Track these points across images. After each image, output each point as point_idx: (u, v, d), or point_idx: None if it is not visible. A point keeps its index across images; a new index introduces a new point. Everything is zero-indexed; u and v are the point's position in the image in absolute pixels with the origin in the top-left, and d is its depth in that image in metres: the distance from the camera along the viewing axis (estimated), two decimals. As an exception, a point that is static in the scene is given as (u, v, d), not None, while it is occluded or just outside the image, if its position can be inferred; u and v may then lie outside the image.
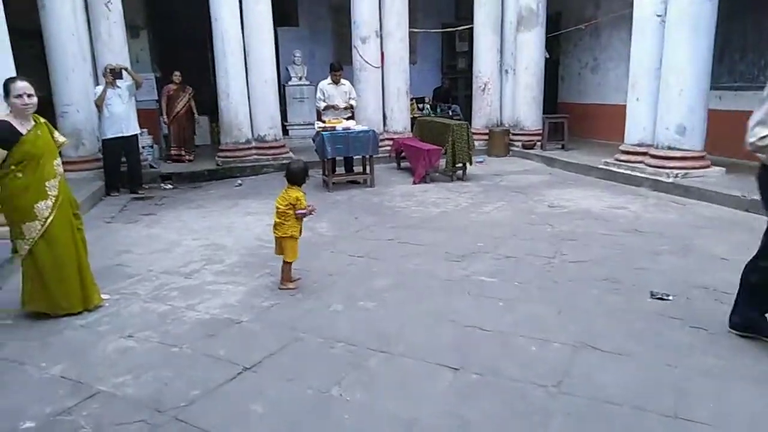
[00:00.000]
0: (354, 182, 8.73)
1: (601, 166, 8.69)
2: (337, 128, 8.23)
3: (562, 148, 10.75)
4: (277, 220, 4.41)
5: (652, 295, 4.02)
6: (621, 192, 7.62)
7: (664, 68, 7.53)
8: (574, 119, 11.09)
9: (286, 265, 4.47)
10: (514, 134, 11.40)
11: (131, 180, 8.72)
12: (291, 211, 4.36)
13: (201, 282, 4.71)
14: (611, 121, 11.43)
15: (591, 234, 5.68)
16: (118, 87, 8.20)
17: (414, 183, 8.62)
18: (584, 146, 11.02)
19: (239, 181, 9.23)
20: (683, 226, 5.86)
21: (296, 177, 4.40)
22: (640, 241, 5.40)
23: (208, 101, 11.32)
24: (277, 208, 4.40)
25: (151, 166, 9.81)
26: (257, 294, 4.40)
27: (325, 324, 3.81)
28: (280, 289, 4.47)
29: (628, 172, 8.12)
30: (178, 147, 10.40)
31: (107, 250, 5.70)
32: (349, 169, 8.89)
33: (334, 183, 8.37)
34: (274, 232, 4.46)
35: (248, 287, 4.55)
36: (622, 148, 8.47)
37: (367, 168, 8.60)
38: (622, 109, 11.42)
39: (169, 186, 9.26)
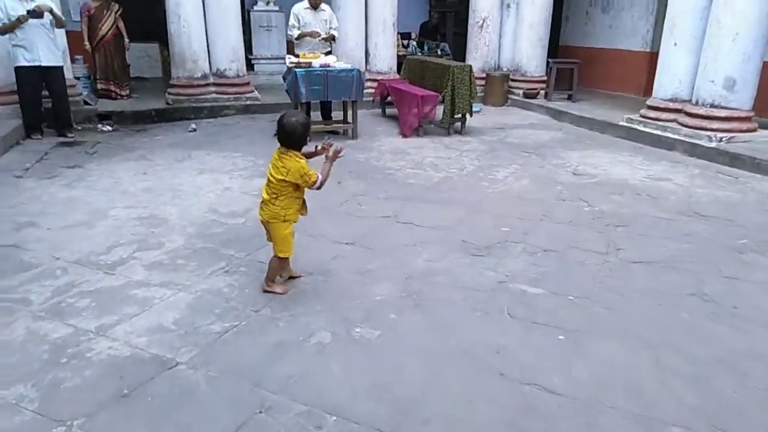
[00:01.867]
0: (333, 132, 7.27)
1: (622, 123, 7.44)
2: (313, 64, 6.67)
3: (569, 99, 9.42)
4: (265, 195, 3.07)
5: (777, 330, 2.85)
6: (654, 157, 6.40)
7: (716, 5, 6.18)
8: (580, 66, 9.71)
9: (278, 261, 3.17)
10: (513, 80, 9.98)
11: (57, 119, 7.04)
12: (289, 188, 3.04)
13: (126, 282, 3.32)
14: (624, 70, 10.15)
15: (642, 217, 4.47)
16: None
17: (404, 136, 7.21)
18: (593, 98, 9.71)
19: (193, 125, 7.64)
20: (752, 210, 4.70)
21: (294, 138, 2.99)
22: (709, 230, 4.22)
23: (156, 23, 9.45)
24: (269, 180, 3.05)
25: (86, 103, 8.07)
26: (207, 307, 3.05)
27: (305, 373, 2.52)
28: (265, 291, 3.19)
29: (658, 132, 6.89)
30: (107, 80, 8.54)
31: (2, 221, 4.21)
32: (327, 115, 7.39)
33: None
34: (260, 214, 3.15)
35: (194, 294, 3.19)
36: (650, 103, 7.20)
37: (350, 115, 7.12)
38: (638, 56, 10.25)
39: (108, 128, 7.61)
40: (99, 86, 8.58)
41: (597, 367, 2.56)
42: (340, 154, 3.21)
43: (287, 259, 3.19)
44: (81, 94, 8.13)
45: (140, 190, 5.02)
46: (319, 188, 3.08)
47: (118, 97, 8.61)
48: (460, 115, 7.38)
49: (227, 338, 2.77)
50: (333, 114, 7.43)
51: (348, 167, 5.80)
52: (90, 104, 8.10)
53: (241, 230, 4.12)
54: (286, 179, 2.98)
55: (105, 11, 8.26)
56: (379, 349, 2.70)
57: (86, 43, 8.30)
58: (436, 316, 2.99)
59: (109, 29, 8.32)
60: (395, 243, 3.91)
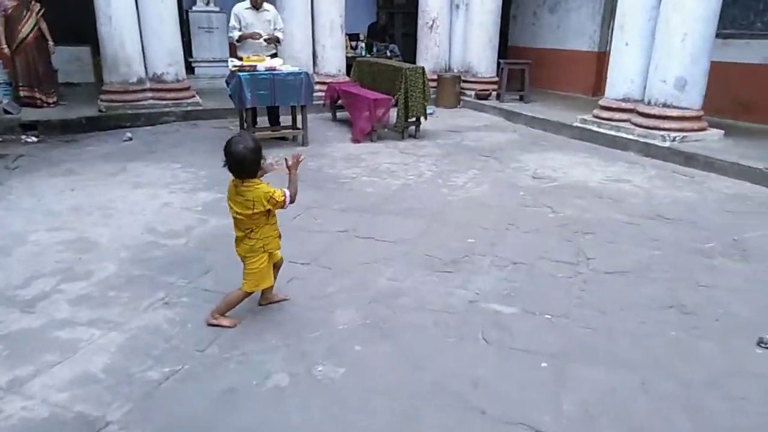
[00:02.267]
0: (282, 138, 6.89)
1: (576, 124, 7.38)
2: (258, 68, 6.27)
3: (521, 99, 9.36)
4: (239, 233, 2.78)
5: (762, 343, 2.71)
6: (610, 157, 6.35)
7: (664, 6, 6.18)
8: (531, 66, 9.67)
9: (242, 296, 2.85)
10: (465, 81, 9.85)
11: (-28, 131, 6.37)
12: (261, 218, 2.75)
13: (47, 322, 2.87)
14: (573, 70, 10.20)
15: (607, 222, 4.33)
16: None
17: (357, 141, 6.90)
18: (544, 98, 9.69)
19: (128, 134, 7.08)
20: (712, 210, 4.65)
21: (245, 166, 2.65)
22: (675, 234, 4.11)
23: (87, 24, 8.76)
24: (235, 218, 2.75)
25: (7, 111, 7.38)
26: (143, 349, 2.65)
27: (261, 425, 2.18)
28: (210, 325, 2.83)
29: (612, 132, 6.86)
30: (30, 87, 7.80)
31: None
32: (274, 121, 7.00)
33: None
34: (236, 249, 2.84)
35: (127, 333, 2.78)
36: (603, 103, 7.17)
37: (299, 120, 6.76)
38: (587, 56, 10.31)
39: (32, 139, 6.96)
40: (22, 93, 7.84)
41: (588, 401, 2.33)
42: (300, 160, 2.90)
43: (251, 294, 2.84)
44: (1, 102, 7.43)
45: (67, 209, 4.50)
46: (291, 203, 2.80)
47: (44, 104, 7.91)
48: (414, 119, 7.14)
49: (168, 387, 2.39)
50: (281, 119, 7.04)
51: (300, 176, 5.43)
52: (11, 113, 7.41)
53: (181, 252, 3.72)
54: (254, 211, 2.64)
55: (24, 11, 7.54)
56: (344, 391, 2.39)
57: (4, 46, 7.56)
58: (405, 346, 2.70)
59: (30, 31, 7.61)
60: (355, 260, 3.59)
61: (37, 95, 7.87)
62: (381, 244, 3.87)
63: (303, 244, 3.83)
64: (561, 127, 7.59)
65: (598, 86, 9.93)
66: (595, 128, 7.09)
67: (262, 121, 7.02)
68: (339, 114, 8.26)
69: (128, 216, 4.38)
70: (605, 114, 7.06)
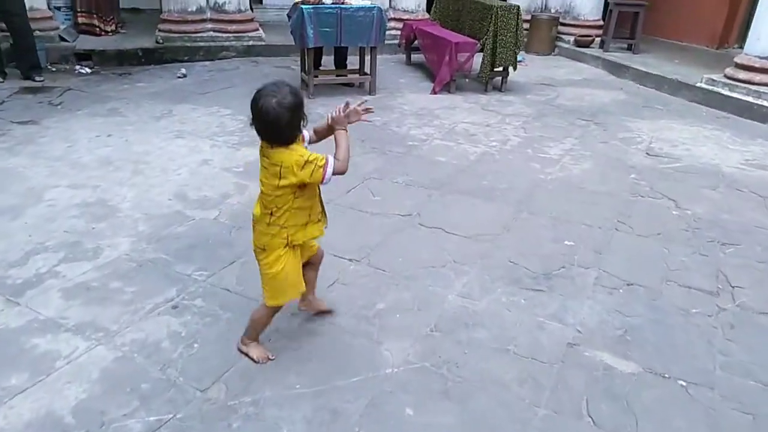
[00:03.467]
0: (347, 85, 6.05)
1: (701, 85, 6.07)
2: (324, 1, 5.39)
3: (630, 49, 7.95)
4: (257, 211, 2.00)
5: None
6: (747, 133, 5.09)
7: None
8: (647, 9, 8.15)
9: (267, 311, 2.11)
10: (564, 24, 8.50)
11: (20, 60, 5.93)
12: (288, 195, 1.92)
13: (30, 321, 2.30)
14: (693, 14, 8.57)
15: (755, 229, 3.29)
16: None
17: (433, 92, 5.96)
18: (656, 48, 8.22)
19: (183, 70, 6.45)
20: None
21: (279, 130, 1.85)
22: None
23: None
24: (261, 189, 1.97)
25: (62, 38, 6.90)
26: (129, 378, 2.03)
27: None
28: (239, 350, 2.15)
29: (750, 99, 5.53)
30: (89, 13, 7.27)
31: None
32: (341, 63, 6.14)
33: (316, 86, 5.69)
34: (253, 237, 2.06)
35: (117, 350, 2.17)
36: (740, 60, 5.79)
37: (367, 64, 5.87)
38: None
39: (86, 70, 6.48)
40: (80, 20, 7.34)
41: None
42: (362, 110, 2.12)
43: (280, 308, 2.12)
44: (57, 28, 6.96)
45: (96, 161, 3.95)
46: (339, 173, 1.96)
47: (102, 33, 7.39)
48: (501, 69, 6.07)
49: (148, 452, 1.76)
50: (349, 61, 6.17)
51: (360, 133, 4.64)
52: (67, 41, 6.93)
53: (209, 231, 3.06)
54: (280, 183, 1.88)
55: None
56: (384, 488, 1.68)
57: (62, -33, 7.01)
58: (475, 415, 1.93)
59: (90, -49, 7.01)
60: (418, 261, 2.82)
61: (96, 22, 7.35)
62: (452, 239, 3.05)
63: (354, 232, 3.08)
64: (679, 87, 6.29)
65: (725, 37, 8.34)
66: (726, 92, 5.77)
67: (328, 61, 6.17)
68: (415, 56, 7.27)
69: (160, 175, 3.77)
70: (742, 74, 5.70)
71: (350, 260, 2.82)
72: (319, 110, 5.21)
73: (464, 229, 3.14)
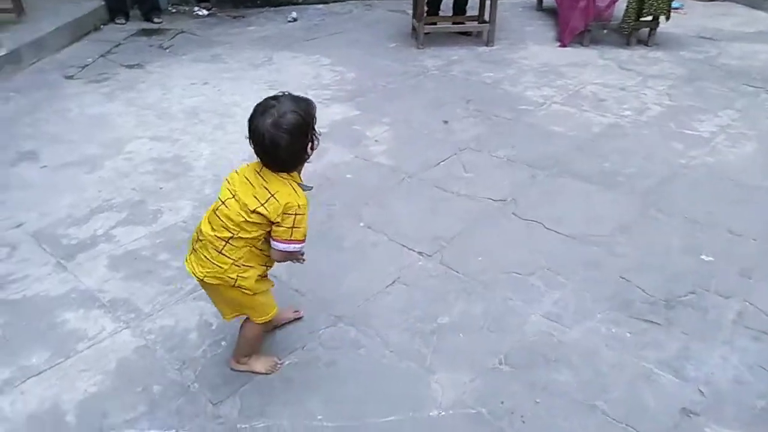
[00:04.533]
0: (465, 34, 5.40)
1: None
2: (443, -64, 4.73)
3: (830, -7, 6.31)
4: (207, 230, 1.59)
5: None
6: None
7: None
8: None
9: (259, 328, 1.76)
10: (741, -38, 6.95)
11: (141, 1, 6.01)
12: (258, 232, 1.56)
13: (69, 290, 2.19)
14: None
15: None
16: None
17: (562, 44, 5.13)
18: None
19: (294, 14, 6.18)
20: None
21: (278, 155, 1.49)
22: None
23: None
24: (217, 210, 1.58)
25: (184, -21, 6.91)
26: (143, 376, 1.81)
27: None
28: (234, 370, 1.83)
29: None
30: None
31: (8, 144, 3.34)
32: (460, 9, 5.46)
33: (427, 34, 5.12)
34: (187, 261, 1.68)
35: (142, 337, 1.97)
36: None
37: (487, 10, 5.16)
38: None
39: (203, 12, 6.45)
40: (202, -41, 7.31)
41: None
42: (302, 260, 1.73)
43: (270, 322, 1.78)
44: (180, -32, 6.97)
45: (183, 112, 3.82)
46: (283, 259, 1.65)
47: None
48: (650, 18, 5.05)
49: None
50: (470, 6, 5.48)
51: (466, 92, 4.08)
52: (188, -19, 6.94)
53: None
54: (263, 216, 1.52)
55: None
56: None
57: None
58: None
59: None
60: (502, 263, 2.31)
61: (216, -38, 7.26)
62: (552, 237, 2.48)
63: (431, 217, 2.63)
64: None
65: None
66: None
67: (449, 6, 5.53)
68: (547, 1, 6.35)
69: (240, 131, 3.53)
70: None
71: (419, 253, 2.38)
72: (427, 62, 4.70)
73: (569, 226, 2.55)
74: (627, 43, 5.14)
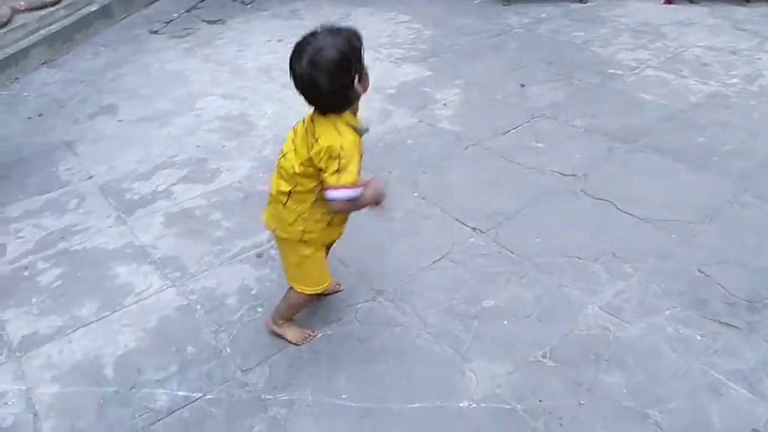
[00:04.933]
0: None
1: None
2: None
3: None
4: (275, 188, 1.56)
5: None
6: None
7: None
8: None
9: (298, 297, 1.70)
10: None
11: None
12: (311, 182, 1.48)
13: (125, 244, 2.26)
14: None
15: None
16: None
17: (667, 1, 4.58)
18: None
19: (377, -32, 5.97)
20: None
21: (320, 91, 1.36)
22: None
23: None
24: (281, 160, 1.54)
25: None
26: (180, 336, 1.84)
27: None
28: (270, 332, 1.81)
29: None
30: None
31: (90, 98, 3.49)
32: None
33: (515, -11, 4.77)
34: (266, 221, 1.65)
35: (186, 296, 2.00)
36: None
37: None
38: None
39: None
40: None
41: None
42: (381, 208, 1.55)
43: (307, 296, 1.72)
44: None
45: (256, 69, 3.82)
46: (344, 209, 1.53)
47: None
48: (777, -32, 4.38)
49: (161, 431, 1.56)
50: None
51: (550, 53, 3.76)
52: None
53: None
54: (306, 165, 1.45)
55: None
56: None
57: None
58: None
59: None
60: (562, 245, 2.12)
61: None
62: (623, 220, 2.24)
63: (492, 190, 2.45)
64: None
65: None
66: None
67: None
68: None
69: (307, 90, 3.48)
70: None
71: (473, 229, 2.24)
72: (511, 20, 4.39)
73: (645, 208, 2.29)
74: (747, 0, 4.51)
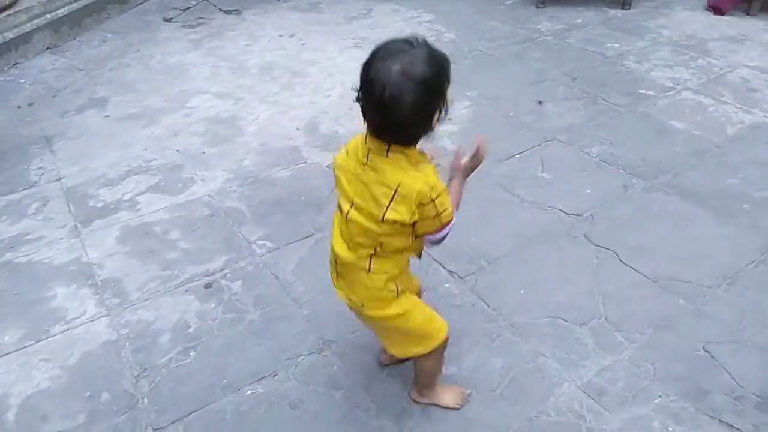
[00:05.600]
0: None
1: None
2: None
3: None
4: (347, 253, 1.25)
5: None
6: None
7: None
8: None
9: (432, 358, 1.42)
10: None
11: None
12: (402, 237, 1.21)
13: (72, 260, 2.09)
14: None
15: None
16: None
17: (718, 10, 4.14)
18: None
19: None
20: None
21: (401, 117, 1.06)
22: None
23: None
24: (351, 219, 1.21)
25: None
26: (107, 377, 1.65)
27: None
28: (418, 403, 1.54)
29: None
30: None
31: (84, 88, 3.36)
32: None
33: (551, -9, 4.41)
34: (345, 296, 1.34)
35: (118, 330, 1.80)
36: None
37: (630, -35, 4.29)
38: None
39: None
40: None
41: None
42: (480, 153, 1.35)
43: (437, 356, 1.43)
44: None
45: (258, 66, 3.61)
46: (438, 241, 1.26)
47: None
48: None
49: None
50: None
51: (576, 66, 3.42)
52: None
53: (311, 182, 2.48)
54: (385, 219, 1.16)
55: None
56: None
57: None
58: None
59: None
60: (548, 302, 1.83)
61: None
62: (625, 275, 1.93)
63: (480, 227, 2.17)
64: None
65: None
66: None
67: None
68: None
69: (308, 94, 3.26)
70: None
71: (450, 273, 1.97)
72: (542, 25, 4.04)
73: (653, 263, 1.97)
74: (811, 14, 4.03)
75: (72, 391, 1.62)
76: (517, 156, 2.62)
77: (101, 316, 1.86)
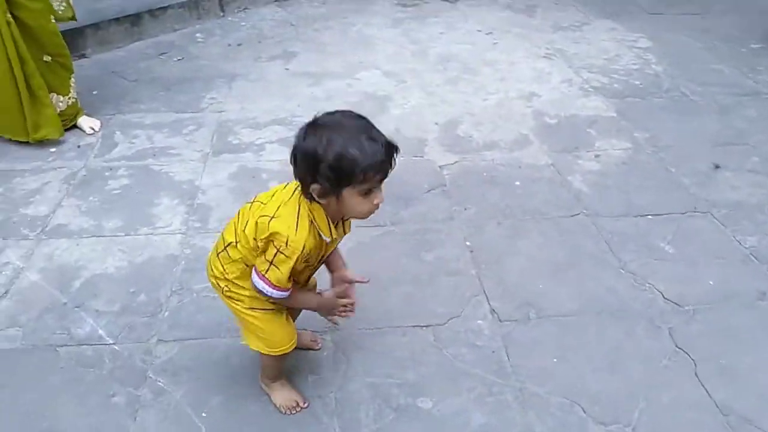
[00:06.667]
0: None
1: None
2: None
3: None
4: (222, 233, 1.41)
5: None
6: None
7: None
8: None
9: (265, 359, 1.48)
10: None
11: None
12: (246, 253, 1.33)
13: (191, 179, 2.41)
14: None
15: None
16: None
17: None
18: None
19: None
20: None
21: (306, 168, 1.21)
22: None
23: None
24: (239, 218, 1.35)
25: None
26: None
27: None
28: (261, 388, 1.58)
29: None
30: None
31: (277, 46, 3.78)
32: None
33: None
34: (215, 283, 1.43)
35: (193, 260, 2.05)
36: None
37: None
38: None
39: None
40: None
41: None
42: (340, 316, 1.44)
43: (282, 356, 1.45)
44: None
45: (437, 55, 3.65)
46: (275, 298, 1.31)
47: None
48: None
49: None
50: None
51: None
52: None
53: (403, 177, 2.46)
54: (240, 240, 1.32)
55: None
56: None
57: None
58: None
59: None
60: (575, 380, 1.59)
61: None
62: (697, 400, 1.57)
63: (553, 278, 1.95)
64: None
65: None
66: None
67: None
68: None
69: (468, 93, 3.21)
70: None
71: (492, 312, 1.81)
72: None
73: (734, 394, 1.55)
74: None
75: (125, 283, 1.90)
76: (649, 217, 2.26)
77: (179, 233, 2.13)
